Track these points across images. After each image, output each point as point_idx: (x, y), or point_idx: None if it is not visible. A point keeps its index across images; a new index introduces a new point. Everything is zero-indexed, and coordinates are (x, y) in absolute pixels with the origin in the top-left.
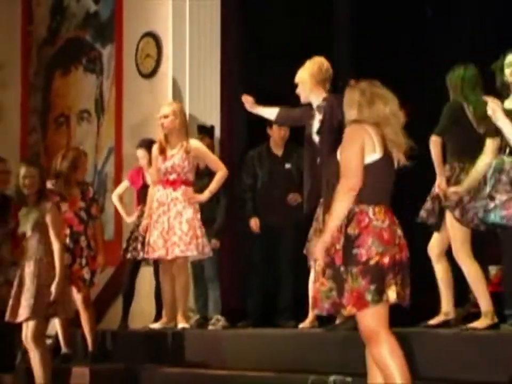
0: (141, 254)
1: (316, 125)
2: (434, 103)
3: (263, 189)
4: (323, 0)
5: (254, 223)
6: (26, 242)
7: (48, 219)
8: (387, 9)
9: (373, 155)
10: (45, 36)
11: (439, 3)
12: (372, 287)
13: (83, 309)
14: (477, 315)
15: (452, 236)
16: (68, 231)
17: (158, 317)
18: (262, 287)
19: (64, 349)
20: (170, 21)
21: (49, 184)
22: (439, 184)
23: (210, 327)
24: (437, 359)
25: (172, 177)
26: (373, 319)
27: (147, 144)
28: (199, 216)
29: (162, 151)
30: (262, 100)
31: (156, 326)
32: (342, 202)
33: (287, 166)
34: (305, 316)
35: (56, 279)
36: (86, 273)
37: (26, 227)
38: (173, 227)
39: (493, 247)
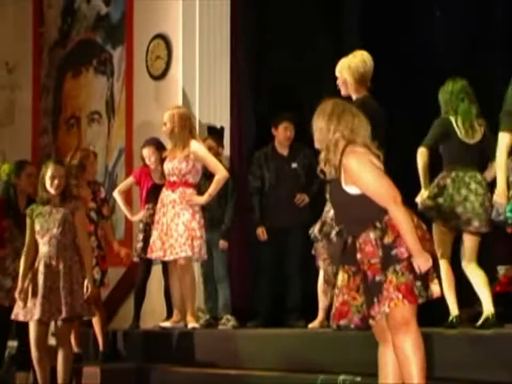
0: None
1: None
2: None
3: (270, 190)
4: None
5: (261, 232)
6: (51, 240)
7: (77, 218)
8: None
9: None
10: (56, 38)
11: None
12: (418, 283)
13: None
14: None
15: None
16: None
17: (169, 316)
18: (271, 287)
19: (75, 349)
20: (180, 22)
21: None
22: (422, 195)
23: (220, 327)
24: (446, 358)
25: (173, 179)
26: (409, 310)
27: (154, 143)
28: (198, 218)
29: (167, 155)
30: (273, 101)
31: (166, 324)
32: (409, 222)
33: (293, 165)
34: (314, 315)
35: (88, 277)
36: (96, 273)
37: (50, 226)
38: (170, 229)
39: (502, 247)
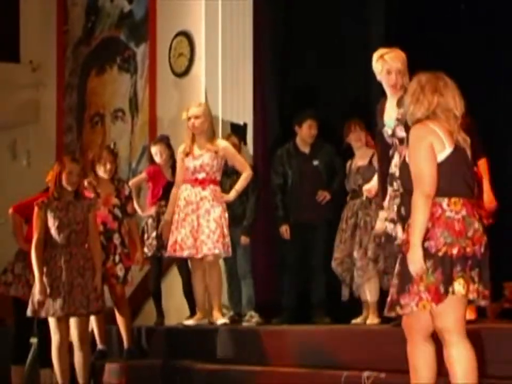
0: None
1: (391, 124)
2: None
3: (293, 187)
4: None
5: (285, 230)
6: (70, 235)
7: (92, 213)
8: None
9: (444, 152)
10: (80, 36)
11: None
12: (441, 278)
13: (118, 306)
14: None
15: None
16: (101, 228)
17: (192, 313)
18: (296, 284)
19: (99, 346)
20: (203, 19)
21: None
22: None
23: (244, 324)
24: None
25: (201, 176)
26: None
27: (165, 141)
28: (226, 215)
29: (190, 151)
30: (296, 97)
31: (190, 322)
32: (421, 214)
33: (315, 163)
34: (338, 312)
35: (98, 273)
36: (119, 270)
37: (70, 221)
38: (201, 225)
39: (508, 263)
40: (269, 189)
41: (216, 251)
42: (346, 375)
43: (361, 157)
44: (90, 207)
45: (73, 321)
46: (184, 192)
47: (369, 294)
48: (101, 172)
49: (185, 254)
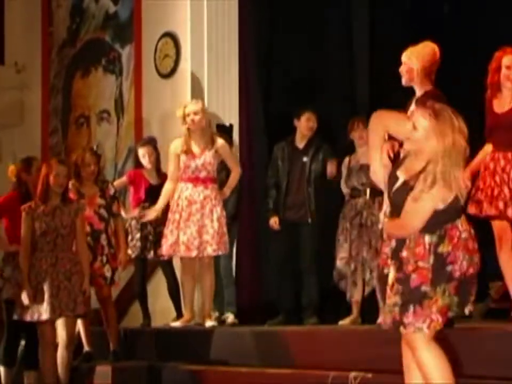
0: (152, 252)
1: None
2: None
3: (283, 183)
4: None
5: (273, 221)
6: (57, 239)
7: (80, 218)
8: None
9: None
10: (65, 37)
11: None
12: (456, 299)
13: (104, 307)
14: (497, 311)
15: None
16: (88, 229)
17: (178, 314)
18: (289, 284)
19: (86, 348)
20: (188, 21)
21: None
22: None
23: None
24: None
25: (202, 175)
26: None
27: (152, 143)
28: (224, 213)
29: (189, 149)
30: (283, 97)
31: (177, 324)
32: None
33: (304, 159)
34: (329, 312)
35: (86, 277)
36: (106, 271)
37: (57, 225)
38: (206, 226)
39: (493, 263)
40: (254, 188)
41: (220, 252)
42: (333, 375)
43: (365, 155)
44: (78, 212)
45: (60, 323)
46: (185, 192)
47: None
48: (84, 173)
49: (193, 254)
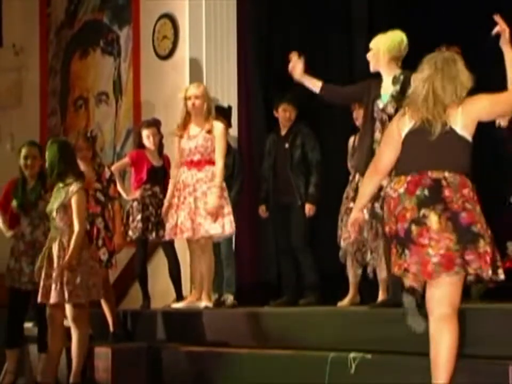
0: (153, 234)
1: (385, 98)
2: None
3: (272, 170)
4: None
5: (261, 210)
6: (53, 222)
7: (73, 201)
8: None
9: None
10: (63, 19)
11: None
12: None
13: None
14: (495, 290)
15: None
16: None
17: (178, 296)
18: (289, 265)
19: None
20: (186, 2)
21: None
22: None
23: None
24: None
25: (196, 157)
26: None
27: (156, 124)
28: (226, 194)
29: (182, 134)
30: (281, 80)
31: (180, 305)
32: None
33: (286, 145)
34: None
35: (66, 258)
36: (102, 254)
37: (53, 207)
38: (199, 208)
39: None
40: (253, 172)
41: (212, 232)
42: (333, 356)
43: None
44: (71, 194)
45: (68, 306)
46: (182, 175)
47: (382, 272)
48: (78, 158)
49: (184, 236)
